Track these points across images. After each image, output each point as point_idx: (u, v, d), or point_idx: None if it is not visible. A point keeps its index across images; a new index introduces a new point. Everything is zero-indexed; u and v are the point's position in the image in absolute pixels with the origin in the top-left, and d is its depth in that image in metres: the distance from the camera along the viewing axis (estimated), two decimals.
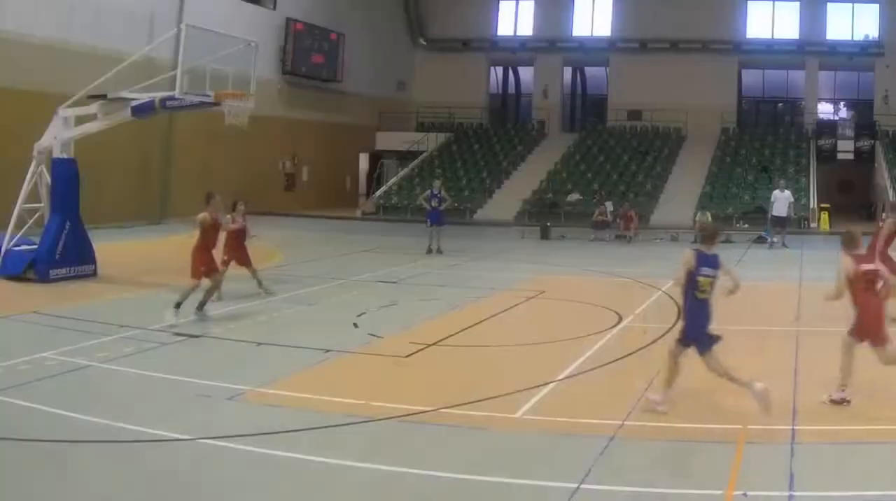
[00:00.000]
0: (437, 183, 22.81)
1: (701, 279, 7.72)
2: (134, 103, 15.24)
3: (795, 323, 12.18)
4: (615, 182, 34.29)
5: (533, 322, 12.56)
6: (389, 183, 36.78)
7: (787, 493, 5.84)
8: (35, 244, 15.11)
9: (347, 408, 7.67)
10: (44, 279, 14.54)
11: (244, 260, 13.78)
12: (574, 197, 32.58)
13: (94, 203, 19.62)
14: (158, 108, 15.29)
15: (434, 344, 10.40)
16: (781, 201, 24.23)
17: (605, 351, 10.08)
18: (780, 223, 24.36)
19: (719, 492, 5.86)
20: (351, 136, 38.51)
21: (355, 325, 11.71)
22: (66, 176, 15.23)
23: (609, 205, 27.60)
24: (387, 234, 26.38)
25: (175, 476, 6.15)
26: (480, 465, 6.37)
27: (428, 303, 13.70)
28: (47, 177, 15.40)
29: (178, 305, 11.30)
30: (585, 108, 45.06)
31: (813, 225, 29.79)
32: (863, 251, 8.15)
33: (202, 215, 11.97)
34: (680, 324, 8.10)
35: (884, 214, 12.84)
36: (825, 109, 40.94)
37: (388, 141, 40.17)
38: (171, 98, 14.89)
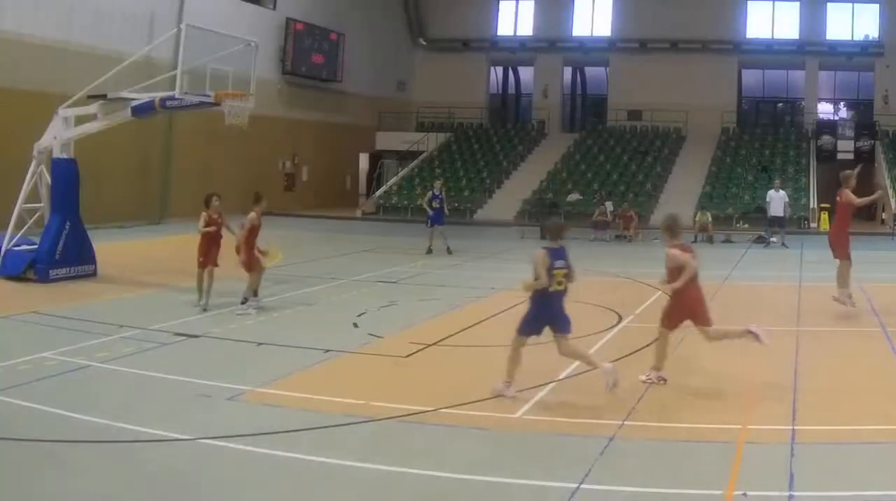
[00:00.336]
0: (437, 183, 22.76)
1: (556, 272, 8.18)
2: (134, 103, 15.24)
3: (796, 324, 12.17)
4: (615, 182, 34.29)
5: None
6: (389, 183, 36.80)
7: (787, 493, 5.84)
8: (35, 244, 15.11)
9: (347, 408, 7.67)
10: (44, 279, 14.54)
11: (214, 262, 12.75)
12: (574, 197, 32.58)
13: (94, 203, 19.63)
14: (158, 108, 15.29)
15: (434, 344, 10.41)
16: (777, 201, 24.25)
17: (605, 351, 10.07)
18: (778, 223, 24.36)
19: (719, 492, 5.86)
20: (351, 136, 38.52)
21: (355, 325, 11.72)
22: (66, 176, 15.24)
23: (609, 205, 27.61)
24: (387, 234, 26.38)
25: (175, 475, 6.15)
26: (480, 465, 6.37)
27: (428, 303, 13.70)
28: (47, 177, 15.40)
29: (244, 301, 12.21)
30: (585, 108, 45.07)
31: (813, 225, 29.80)
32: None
33: (252, 215, 12.48)
34: (525, 315, 8.35)
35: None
36: (825, 109, 40.95)
37: (388, 141, 40.18)
38: (171, 98, 14.88)
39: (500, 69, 44.78)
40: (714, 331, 8.84)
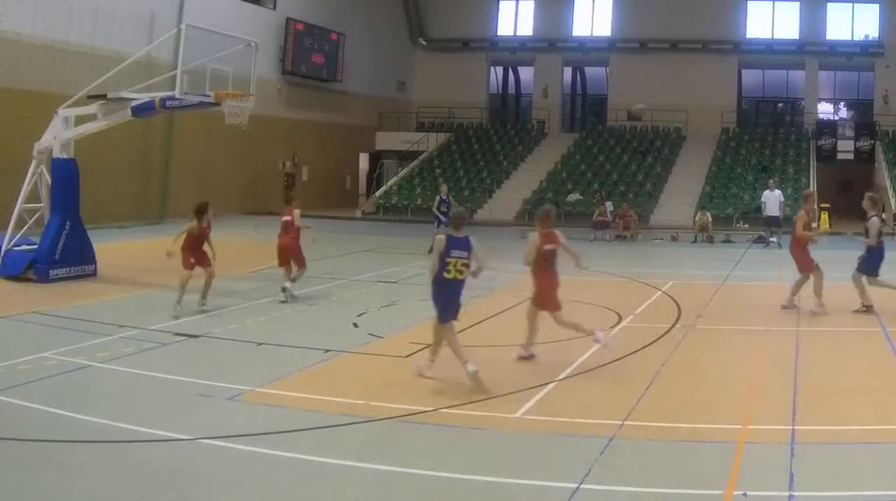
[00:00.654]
0: (444, 188, 22.75)
1: (450, 260, 8.63)
2: (134, 103, 15.25)
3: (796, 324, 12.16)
4: (615, 182, 34.28)
5: None
6: (389, 183, 36.78)
7: (787, 493, 5.84)
8: (35, 244, 15.11)
9: (347, 408, 7.68)
10: (44, 279, 14.53)
11: (208, 262, 12.70)
12: (574, 197, 32.58)
13: (94, 203, 19.64)
14: (158, 108, 15.30)
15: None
16: (773, 201, 24.24)
17: (605, 351, 10.07)
18: (775, 223, 24.34)
19: (719, 492, 5.86)
20: (351, 136, 38.51)
21: (355, 325, 11.72)
22: (66, 176, 15.23)
23: (609, 205, 27.60)
24: (387, 234, 26.37)
25: (175, 475, 6.15)
26: (480, 465, 6.37)
27: (428, 303, 13.54)
28: (47, 177, 15.40)
29: (284, 289, 13.22)
30: (585, 108, 45.06)
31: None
32: (553, 230, 9.13)
33: (298, 212, 13.62)
34: (435, 305, 8.86)
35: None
36: (825, 109, 40.94)
37: (388, 141, 40.15)
38: (171, 98, 14.88)
39: (500, 69, 44.76)
40: (563, 318, 9.68)
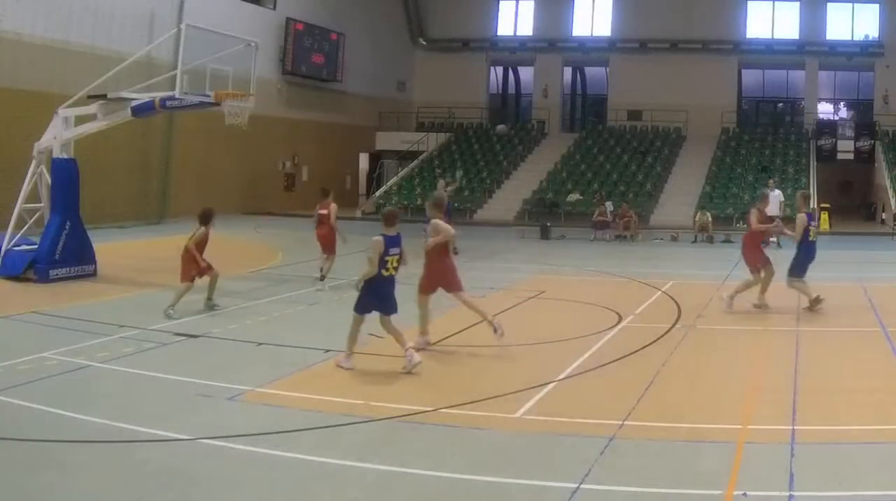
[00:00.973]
0: (449, 189, 22.80)
1: (389, 258, 9.08)
2: (134, 103, 15.24)
3: (796, 324, 12.16)
4: (615, 182, 34.29)
5: (533, 322, 12.54)
6: (389, 183, 36.79)
7: (787, 493, 5.84)
8: (35, 244, 15.10)
9: (347, 408, 7.67)
10: (44, 279, 14.52)
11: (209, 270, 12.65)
12: (574, 197, 32.58)
13: (94, 203, 19.64)
14: (158, 108, 15.29)
15: (434, 344, 10.40)
16: (772, 201, 24.21)
17: (605, 351, 10.08)
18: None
19: (719, 492, 5.86)
20: (351, 136, 38.51)
21: None
22: (66, 176, 15.22)
23: (609, 205, 27.61)
24: None
25: (175, 475, 6.15)
26: (480, 465, 6.37)
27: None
28: (47, 177, 15.39)
29: (322, 278, 14.72)
30: (585, 108, 45.08)
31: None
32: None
33: (335, 207, 15.11)
34: (359, 296, 9.21)
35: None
36: (825, 109, 40.98)
37: (387, 141, 40.17)
38: (171, 98, 14.88)
39: (500, 69, 44.78)
40: (467, 298, 10.22)
